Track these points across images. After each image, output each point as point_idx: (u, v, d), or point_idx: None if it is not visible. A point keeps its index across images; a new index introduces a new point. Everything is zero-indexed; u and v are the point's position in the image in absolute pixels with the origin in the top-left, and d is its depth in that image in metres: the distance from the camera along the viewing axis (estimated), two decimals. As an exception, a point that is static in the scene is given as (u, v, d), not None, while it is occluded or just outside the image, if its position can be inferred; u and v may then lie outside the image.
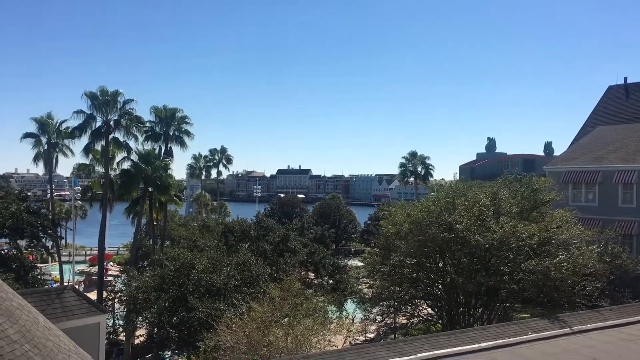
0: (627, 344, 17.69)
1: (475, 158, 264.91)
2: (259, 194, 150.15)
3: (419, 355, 15.40)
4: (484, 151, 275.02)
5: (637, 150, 40.29)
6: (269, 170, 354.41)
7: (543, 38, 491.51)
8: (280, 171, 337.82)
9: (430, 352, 15.66)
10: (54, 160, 58.71)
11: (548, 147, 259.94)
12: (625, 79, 55.40)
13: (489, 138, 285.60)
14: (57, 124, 56.76)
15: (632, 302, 26.73)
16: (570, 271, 24.41)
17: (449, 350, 16.00)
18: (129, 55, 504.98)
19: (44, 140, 57.26)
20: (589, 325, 19.39)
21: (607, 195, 39.72)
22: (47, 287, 37.78)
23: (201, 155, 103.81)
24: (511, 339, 17.46)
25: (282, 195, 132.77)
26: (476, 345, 16.59)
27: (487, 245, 25.12)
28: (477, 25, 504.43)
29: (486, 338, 17.29)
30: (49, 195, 67.52)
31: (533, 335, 18.01)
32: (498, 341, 17.11)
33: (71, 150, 57.73)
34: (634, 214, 37.97)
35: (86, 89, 45.52)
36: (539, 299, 26.14)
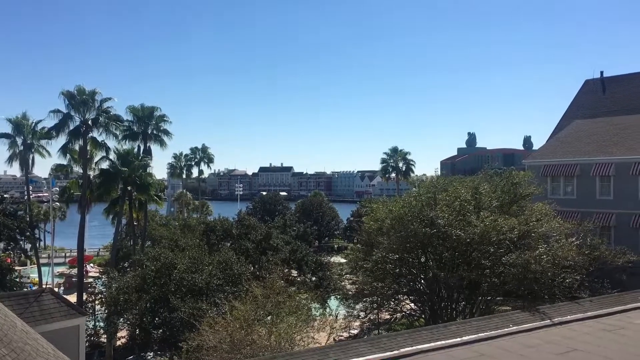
0: (606, 335, 17.92)
1: (456, 153, 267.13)
2: (241, 193, 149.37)
3: (402, 350, 15.42)
4: (464, 146, 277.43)
5: (613, 143, 40.89)
6: (251, 169, 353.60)
7: (521, 32, 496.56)
8: (262, 169, 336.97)
9: (414, 347, 15.69)
10: (30, 161, 57.87)
11: (527, 141, 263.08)
12: (602, 72, 56.24)
13: (469, 133, 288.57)
14: (33, 124, 55.92)
15: (611, 293, 27.11)
16: (550, 263, 24.70)
17: (432, 344, 16.05)
18: (105, 57, 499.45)
19: (19, 141, 56.38)
20: (569, 317, 19.60)
21: (585, 187, 40.26)
22: (25, 290, 37.28)
23: (182, 154, 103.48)
24: (493, 331, 17.58)
25: (264, 193, 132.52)
26: (459, 339, 16.67)
27: (469, 240, 25.29)
28: (455, 21, 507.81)
29: (468, 331, 17.38)
30: (26, 197, 66.47)
31: (514, 327, 18.15)
32: (480, 334, 17.21)
33: (47, 151, 56.96)
34: (612, 206, 38.55)
35: (62, 89, 44.64)
36: (520, 291, 26.41)
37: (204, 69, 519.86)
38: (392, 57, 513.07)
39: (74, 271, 56.49)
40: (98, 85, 68.27)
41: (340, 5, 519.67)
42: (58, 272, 65.95)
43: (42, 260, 58.90)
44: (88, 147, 45.81)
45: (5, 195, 56.76)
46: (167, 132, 57.73)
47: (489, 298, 28.11)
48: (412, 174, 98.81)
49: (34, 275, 58.18)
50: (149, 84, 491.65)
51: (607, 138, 42.04)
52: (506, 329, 17.93)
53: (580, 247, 28.22)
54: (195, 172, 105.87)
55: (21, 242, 48.16)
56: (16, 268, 47.65)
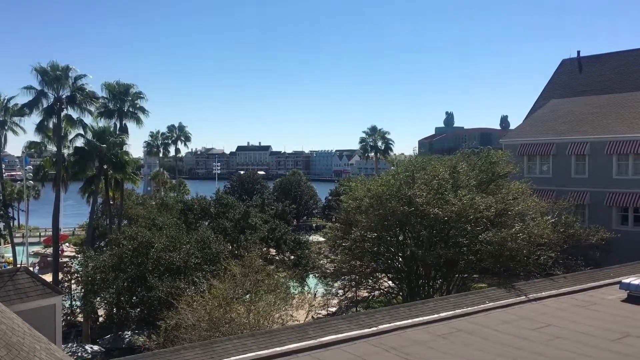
0: (579, 310, 18.30)
1: (434, 132, 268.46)
2: (219, 171, 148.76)
3: (381, 327, 15.56)
4: (442, 125, 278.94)
5: (589, 122, 41.36)
6: (229, 147, 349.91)
7: (500, 13, 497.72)
8: (240, 148, 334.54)
9: (392, 324, 15.84)
10: (3, 139, 56.56)
11: (504, 120, 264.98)
12: (578, 52, 56.60)
13: (447, 112, 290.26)
14: (5, 101, 54.49)
15: (584, 269, 27.64)
16: (525, 241, 25.05)
17: (410, 321, 16.22)
18: (79, 32, 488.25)
19: (-9, 118, 54.94)
20: (543, 293, 19.95)
21: (561, 166, 40.75)
22: (-1, 269, 36.68)
23: (159, 133, 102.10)
24: (469, 308, 17.82)
25: (242, 172, 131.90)
26: (436, 315, 16.87)
27: (446, 218, 25.50)
28: (434, 3, 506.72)
29: (445, 308, 17.59)
30: (-1, 176, 65.04)
31: (490, 304, 18.42)
32: (457, 310, 17.44)
33: (22, 128, 55.68)
34: (586, 184, 39.11)
35: (34, 66, 43.23)
36: (496, 269, 26.80)
37: (181, 46, 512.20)
38: (371, 37, 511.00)
39: (49, 250, 55.70)
40: (71, 61, 66.37)
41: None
42: (33, 251, 65.02)
43: (16, 240, 57.90)
44: (62, 125, 44.86)
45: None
46: (143, 110, 56.74)
47: (465, 275, 28.49)
48: (390, 153, 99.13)
49: (9, 255, 57.31)
50: (121, 61, 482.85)
51: (583, 117, 42.49)
52: (482, 305, 18.19)
53: (555, 225, 28.67)
54: (172, 150, 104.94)
55: (-6, 222, 47.26)
56: (-11, 247, 46.84)
